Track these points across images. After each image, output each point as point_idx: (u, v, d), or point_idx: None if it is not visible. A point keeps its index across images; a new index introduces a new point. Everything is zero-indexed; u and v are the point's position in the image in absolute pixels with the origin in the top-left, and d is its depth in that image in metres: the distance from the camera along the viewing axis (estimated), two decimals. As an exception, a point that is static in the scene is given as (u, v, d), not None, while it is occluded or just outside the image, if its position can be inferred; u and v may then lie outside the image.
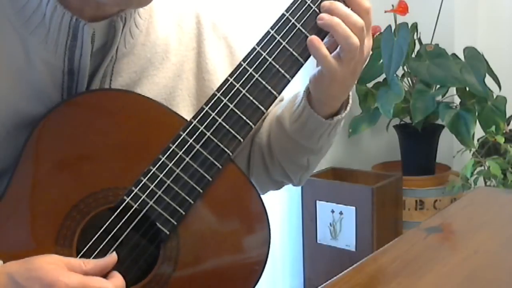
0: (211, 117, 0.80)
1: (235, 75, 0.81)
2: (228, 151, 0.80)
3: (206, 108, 0.80)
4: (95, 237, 0.78)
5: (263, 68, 0.81)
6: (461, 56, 2.47)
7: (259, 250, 0.83)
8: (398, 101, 2.36)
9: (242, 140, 0.81)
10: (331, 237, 2.38)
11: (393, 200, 2.40)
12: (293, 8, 0.81)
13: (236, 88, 0.80)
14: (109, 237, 0.79)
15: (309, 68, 0.85)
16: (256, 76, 0.80)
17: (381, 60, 2.43)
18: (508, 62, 2.66)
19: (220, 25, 0.96)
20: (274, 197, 2.30)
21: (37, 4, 0.79)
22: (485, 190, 1.74)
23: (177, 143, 0.80)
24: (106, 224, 0.79)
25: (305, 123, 0.88)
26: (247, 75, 0.81)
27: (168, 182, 0.79)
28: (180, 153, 0.79)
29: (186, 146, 0.80)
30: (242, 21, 1.08)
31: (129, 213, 0.79)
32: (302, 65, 0.82)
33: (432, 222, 1.14)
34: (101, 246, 0.78)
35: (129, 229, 0.79)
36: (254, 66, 0.80)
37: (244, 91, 0.80)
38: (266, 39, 0.81)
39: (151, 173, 0.79)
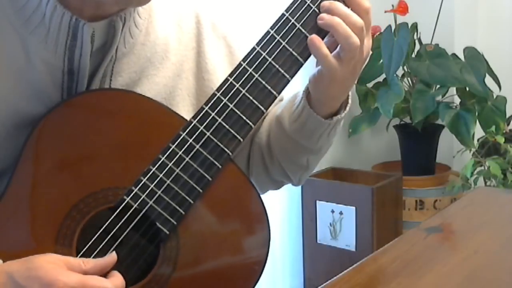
0: (211, 116, 0.80)
1: (235, 75, 0.81)
2: (228, 151, 0.80)
3: (206, 108, 0.80)
4: (95, 236, 0.78)
5: (262, 68, 0.81)
6: (461, 56, 2.47)
7: (259, 250, 0.83)
8: (398, 101, 2.36)
9: (241, 140, 0.81)
10: (331, 237, 2.38)
11: (393, 200, 2.40)
12: (292, 8, 0.81)
13: (236, 88, 0.80)
14: (108, 236, 0.79)
15: (309, 68, 0.85)
16: (256, 76, 0.81)
17: (381, 60, 2.43)
18: (508, 62, 2.66)
19: (219, 24, 0.96)
20: (274, 197, 2.30)
21: (37, 4, 0.79)
22: (485, 190, 1.74)
23: (177, 142, 0.80)
24: (106, 224, 0.79)
25: (304, 123, 0.88)
26: (246, 75, 0.81)
27: (168, 181, 0.79)
28: (180, 152, 0.79)
29: (186, 145, 0.80)
30: (241, 21, 1.08)
31: (129, 213, 0.79)
32: (301, 65, 0.82)
33: (432, 222, 1.14)
34: (101, 246, 0.78)
35: (129, 229, 0.79)
36: (253, 66, 0.80)
37: (243, 91, 0.81)
38: (266, 39, 0.81)
39: (151, 172, 0.79)
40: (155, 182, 0.79)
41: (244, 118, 0.81)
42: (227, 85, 0.81)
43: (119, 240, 0.79)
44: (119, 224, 0.79)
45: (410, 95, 2.44)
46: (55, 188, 0.79)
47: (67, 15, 0.79)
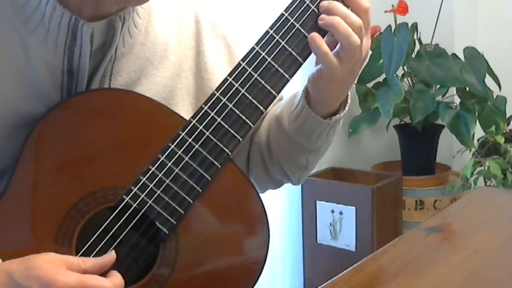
0: (210, 116, 0.80)
1: (234, 74, 0.81)
2: (227, 151, 0.80)
3: (205, 108, 0.80)
4: (95, 236, 0.78)
5: (262, 68, 0.81)
6: (461, 56, 2.46)
7: (258, 250, 0.83)
8: (398, 101, 2.36)
9: (241, 139, 0.81)
10: (331, 237, 2.38)
11: (393, 200, 2.40)
12: (292, 8, 0.81)
13: (235, 87, 0.81)
14: (108, 236, 0.79)
15: (308, 68, 0.85)
16: (255, 75, 0.81)
17: (381, 60, 2.43)
18: (508, 62, 2.66)
19: (219, 24, 0.96)
20: (274, 197, 2.30)
21: (37, 3, 0.79)
22: (485, 190, 1.74)
23: (176, 142, 0.80)
24: (106, 224, 0.79)
25: (303, 122, 0.88)
26: (246, 74, 0.81)
27: (167, 181, 0.79)
28: (179, 152, 0.79)
29: (185, 145, 0.80)
30: (241, 21, 1.08)
31: (128, 212, 0.79)
32: (301, 64, 0.82)
33: (432, 222, 1.14)
34: (100, 245, 0.78)
35: (128, 228, 0.79)
36: (253, 66, 0.80)
37: (243, 91, 0.81)
38: (265, 39, 0.81)
39: (150, 172, 0.79)
40: (154, 182, 0.79)
41: (244, 117, 0.81)
42: (226, 84, 0.81)
43: (118, 240, 0.79)
44: (119, 224, 0.79)
45: (410, 95, 2.44)
46: (55, 187, 0.79)
47: (66, 15, 0.79)
